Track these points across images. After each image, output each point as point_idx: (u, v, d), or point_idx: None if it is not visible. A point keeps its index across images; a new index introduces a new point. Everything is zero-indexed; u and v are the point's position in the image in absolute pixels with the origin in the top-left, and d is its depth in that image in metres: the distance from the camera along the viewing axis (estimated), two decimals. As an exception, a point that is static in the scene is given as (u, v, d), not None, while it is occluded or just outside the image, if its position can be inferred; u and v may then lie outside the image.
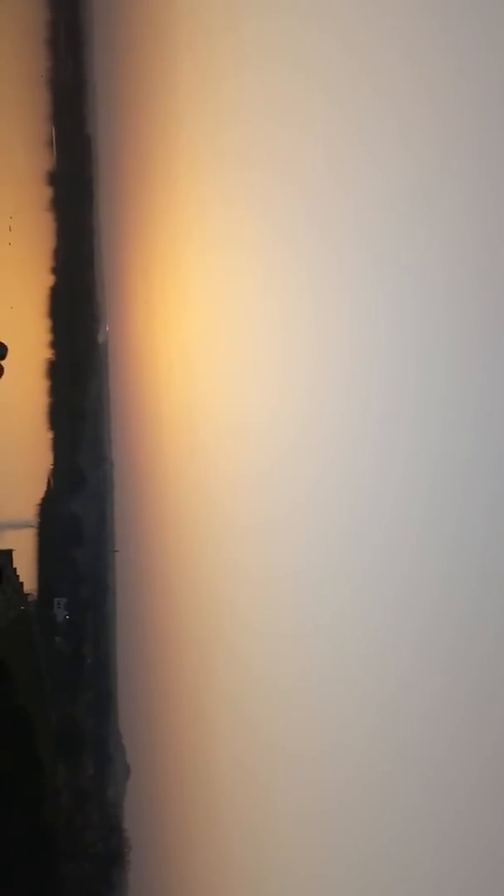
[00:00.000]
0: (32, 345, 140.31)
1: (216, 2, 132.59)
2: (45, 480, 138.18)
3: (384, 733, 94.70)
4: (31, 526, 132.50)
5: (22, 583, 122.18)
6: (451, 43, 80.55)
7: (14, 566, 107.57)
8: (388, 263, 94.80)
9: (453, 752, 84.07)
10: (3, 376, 49.04)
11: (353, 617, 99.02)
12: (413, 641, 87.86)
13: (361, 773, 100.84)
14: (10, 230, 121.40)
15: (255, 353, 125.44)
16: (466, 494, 79.12)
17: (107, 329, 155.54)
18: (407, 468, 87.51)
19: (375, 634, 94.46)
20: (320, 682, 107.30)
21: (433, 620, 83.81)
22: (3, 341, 49.45)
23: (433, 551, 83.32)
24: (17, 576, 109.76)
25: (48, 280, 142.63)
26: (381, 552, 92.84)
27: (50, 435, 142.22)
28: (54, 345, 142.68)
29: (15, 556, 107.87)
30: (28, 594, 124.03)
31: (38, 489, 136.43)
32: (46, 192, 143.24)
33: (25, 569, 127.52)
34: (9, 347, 50.15)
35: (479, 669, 79.16)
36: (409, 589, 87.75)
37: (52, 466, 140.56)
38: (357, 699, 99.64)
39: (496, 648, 76.59)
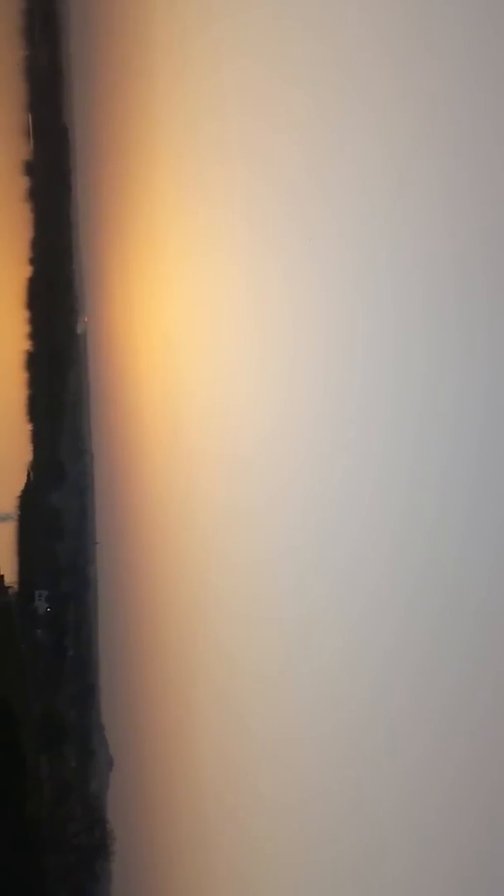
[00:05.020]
0: (10, 336, 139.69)
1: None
2: (25, 473, 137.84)
3: (369, 719, 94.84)
4: (12, 519, 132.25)
5: (2, 575, 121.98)
6: (432, 40, 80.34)
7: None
8: (363, 252, 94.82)
9: (438, 738, 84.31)
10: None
11: (337, 602, 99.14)
12: (397, 627, 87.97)
13: (347, 762, 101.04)
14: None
15: (234, 344, 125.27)
16: (447, 479, 79.18)
17: (86, 320, 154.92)
18: (387, 452, 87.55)
19: (359, 620, 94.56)
20: (305, 670, 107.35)
21: (416, 605, 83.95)
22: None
23: (415, 535, 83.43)
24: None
25: (26, 271, 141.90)
26: (363, 537, 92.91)
27: (29, 427, 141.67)
28: (33, 336, 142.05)
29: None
30: (9, 587, 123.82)
31: (17, 482, 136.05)
32: (23, 183, 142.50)
33: (6, 562, 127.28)
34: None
35: (461, 655, 79.34)
36: (393, 573, 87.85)
37: (31, 459, 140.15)
38: (342, 685, 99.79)
39: (479, 634, 76.77)
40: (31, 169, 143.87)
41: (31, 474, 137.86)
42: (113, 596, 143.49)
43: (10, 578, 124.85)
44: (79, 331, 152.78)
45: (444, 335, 79.86)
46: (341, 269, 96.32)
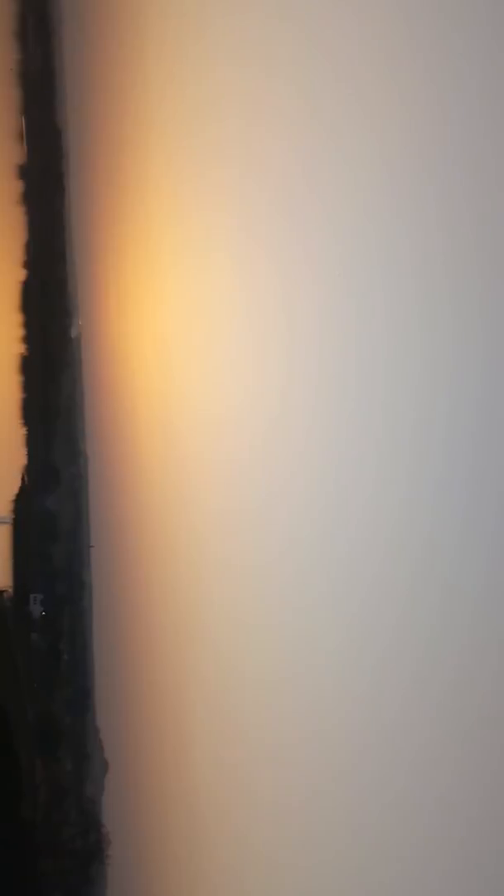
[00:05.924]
0: (4, 340, 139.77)
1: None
2: (19, 477, 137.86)
3: (367, 722, 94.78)
4: (6, 522, 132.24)
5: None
6: (430, 43, 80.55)
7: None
8: (360, 255, 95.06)
9: (435, 738, 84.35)
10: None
11: (334, 605, 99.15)
12: (392, 629, 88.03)
13: (345, 764, 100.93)
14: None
15: (229, 346, 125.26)
16: (445, 481, 79.38)
17: (80, 323, 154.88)
18: (383, 454, 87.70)
19: (356, 622, 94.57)
20: (300, 673, 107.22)
21: (412, 607, 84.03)
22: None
23: (413, 539, 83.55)
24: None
25: (19, 274, 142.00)
26: (360, 540, 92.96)
27: (23, 431, 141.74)
28: (26, 340, 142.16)
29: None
30: (3, 591, 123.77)
31: (11, 485, 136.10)
32: (17, 186, 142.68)
33: (0, 565, 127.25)
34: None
35: (458, 655, 79.42)
36: (390, 576, 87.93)
37: (25, 463, 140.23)
38: (337, 688, 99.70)
39: (475, 631, 76.90)
40: (24, 172, 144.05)
41: (26, 478, 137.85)
42: (108, 599, 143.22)
43: (5, 582, 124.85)
44: (73, 334, 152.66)
45: (441, 337, 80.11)
46: (338, 272, 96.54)
